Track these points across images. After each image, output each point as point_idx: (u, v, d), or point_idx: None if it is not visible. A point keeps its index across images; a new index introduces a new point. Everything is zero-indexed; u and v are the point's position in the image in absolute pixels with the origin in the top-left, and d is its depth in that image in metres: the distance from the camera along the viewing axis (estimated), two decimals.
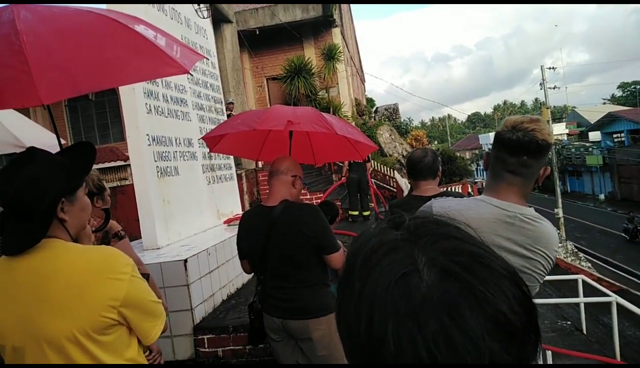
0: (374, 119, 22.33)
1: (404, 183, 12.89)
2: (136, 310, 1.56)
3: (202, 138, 3.16)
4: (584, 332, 6.65)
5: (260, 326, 2.88)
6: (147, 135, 4.85)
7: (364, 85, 25.45)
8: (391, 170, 15.26)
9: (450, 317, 0.51)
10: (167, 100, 5.37)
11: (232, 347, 4.37)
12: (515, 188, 1.60)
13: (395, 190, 14.35)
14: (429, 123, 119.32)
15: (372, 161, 13.96)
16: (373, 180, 12.40)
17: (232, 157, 6.90)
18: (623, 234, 23.76)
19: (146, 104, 4.91)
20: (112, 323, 1.51)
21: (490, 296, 0.53)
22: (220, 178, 6.56)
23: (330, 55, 17.33)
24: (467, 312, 0.51)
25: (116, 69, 1.92)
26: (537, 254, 1.55)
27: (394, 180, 14.71)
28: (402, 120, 21.88)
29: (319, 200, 9.98)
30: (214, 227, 6.03)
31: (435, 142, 62.79)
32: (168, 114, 5.35)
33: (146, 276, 2.10)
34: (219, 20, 9.62)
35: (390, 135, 20.02)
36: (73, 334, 1.46)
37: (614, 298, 5.80)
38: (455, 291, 0.53)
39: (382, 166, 15.34)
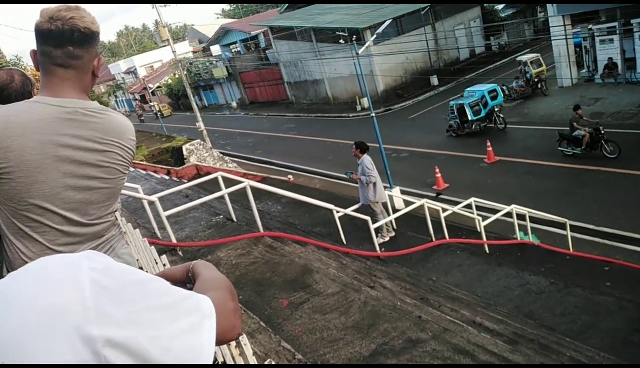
0: None
1: None
2: None
3: None
4: (234, 219, 7.53)
5: None
6: None
7: None
8: None
9: None
10: None
11: None
12: (70, 82, 1.51)
13: None
14: None
15: None
16: None
17: None
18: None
19: None
20: None
21: None
22: None
23: None
24: None
25: None
26: (111, 145, 1.53)
27: None
28: (8, 60, 18.66)
29: None
30: None
31: None
32: None
33: None
34: None
35: None
36: None
37: (246, 183, 6.66)
38: None
39: None
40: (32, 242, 1.50)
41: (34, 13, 1.55)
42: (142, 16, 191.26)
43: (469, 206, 9.78)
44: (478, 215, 9.49)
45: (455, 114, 18.15)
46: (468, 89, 19.09)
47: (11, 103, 2.47)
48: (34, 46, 1.53)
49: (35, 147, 1.40)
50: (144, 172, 15.16)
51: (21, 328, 0.58)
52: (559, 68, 20.62)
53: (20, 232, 1.49)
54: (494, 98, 18.05)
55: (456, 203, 10.41)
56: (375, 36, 16.49)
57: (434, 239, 8.62)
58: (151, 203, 6.38)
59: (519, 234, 9.50)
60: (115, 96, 65.83)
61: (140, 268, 3.55)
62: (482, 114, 17.81)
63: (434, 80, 28.20)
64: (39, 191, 1.44)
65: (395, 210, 9.80)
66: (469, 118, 17.72)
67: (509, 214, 9.55)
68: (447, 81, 27.56)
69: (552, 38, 20.20)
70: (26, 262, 1.48)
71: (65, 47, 1.46)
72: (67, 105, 1.47)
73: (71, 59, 1.48)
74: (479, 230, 9.19)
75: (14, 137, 1.39)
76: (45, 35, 1.45)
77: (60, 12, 1.44)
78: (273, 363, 1.85)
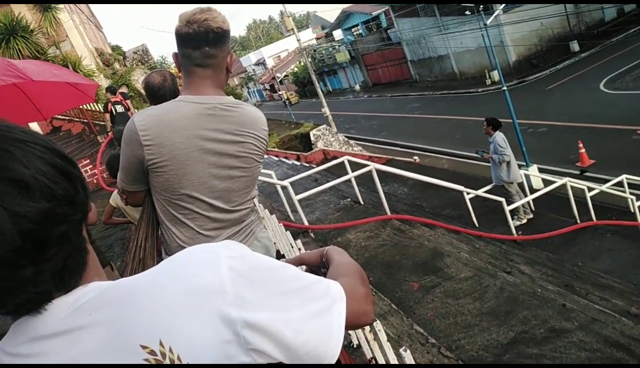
0: (125, 66, 20.69)
1: None
2: None
3: None
4: (361, 202, 7.62)
5: None
6: None
7: (102, 32, 22.97)
8: None
9: None
10: None
11: None
12: (208, 81, 1.64)
13: None
14: None
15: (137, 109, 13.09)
16: None
17: None
18: None
19: None
20: None
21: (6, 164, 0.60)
22: None
23: (45, 6, 15.00)
24: None
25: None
26: (247, 136, 1.64)
27: None
28: (156, 60, 20.74)
29: (95, 169, 9.36)
30: None
31: None
32: None
33: None
34: None
35: None
36: None
37: (372, 166, 6.68)
38: None
39: None
40: (185, 228, 1.66)
41: (175, 15, 1.70)
42: (268, 8, 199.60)
43: (619, 184, 8.77)
44: (631, 194, 8.46)
45: None
46: None
47: (166, 101, 2.78)
48: (174, 47, 1.67)
49: (183, 142, 1.55)
50: (276, 158, 15.99)
51: (170, 307, 0.65)
52: None
53: (175, 219, 1.66)
54: None
55: (604, 181, 9.39)
56: (504, 4, 15.33)
57: (578, 221, 7.89)
58: (284, 187, 6.70)
59: None
60: (248, 87, 70.02)
61: (277, 251, 3.76)
62: None
63: (574, 46, 25.47)
64: (188, 182, 1.59)
65: (532, 190, 9.14)
66: None
67: None
68: (590, 46, 24.73)
69: None
70: (181, 246, 1.66)
71: (202, 48, 1.58)
72: (207, 102, 1.60)
73: (208, 58, 1.60)
74: (632, 210, 8.19)
75: (165, 134, 1.55)
76: (184, 38, 1.58)
77: (195, 15, 1.56)
78: (407, 347, 1.85)
